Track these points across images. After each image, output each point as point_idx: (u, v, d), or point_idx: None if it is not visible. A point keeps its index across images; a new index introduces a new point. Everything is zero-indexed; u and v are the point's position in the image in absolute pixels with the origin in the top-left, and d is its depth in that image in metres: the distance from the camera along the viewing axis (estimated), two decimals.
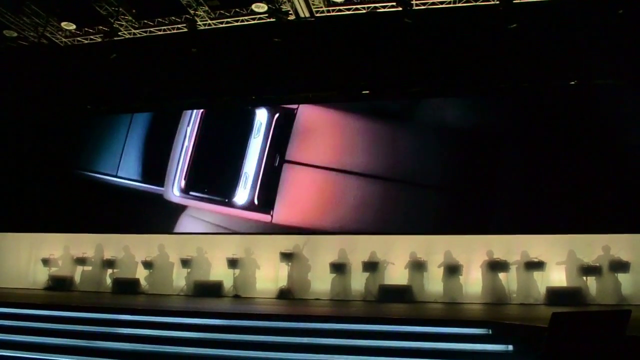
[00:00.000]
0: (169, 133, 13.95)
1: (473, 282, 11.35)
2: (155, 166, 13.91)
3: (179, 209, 13.42)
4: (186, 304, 9.57)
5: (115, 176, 13.90)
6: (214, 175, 13.50)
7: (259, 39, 12.49)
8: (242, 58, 12.95)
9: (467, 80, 12.47)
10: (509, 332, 6.02)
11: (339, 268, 11.76)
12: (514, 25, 11.12)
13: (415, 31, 11.60)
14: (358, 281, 11.79)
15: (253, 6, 11.99)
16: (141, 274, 12.80)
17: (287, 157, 13.00)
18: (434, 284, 11.49)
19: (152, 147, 14.11)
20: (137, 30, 13.02)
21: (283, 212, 12.76)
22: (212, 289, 12.06)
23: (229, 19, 12.53)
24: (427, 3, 11.55)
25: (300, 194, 12.80)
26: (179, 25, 12.77)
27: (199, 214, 13.35)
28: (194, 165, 13.60)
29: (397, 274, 11.67)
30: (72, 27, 13.01)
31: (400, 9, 11.30)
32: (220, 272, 12.42)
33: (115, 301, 9.86)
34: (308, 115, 13.29)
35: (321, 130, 13.14)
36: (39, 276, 13.47)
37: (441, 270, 11.41)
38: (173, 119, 14.06)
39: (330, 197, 12.59)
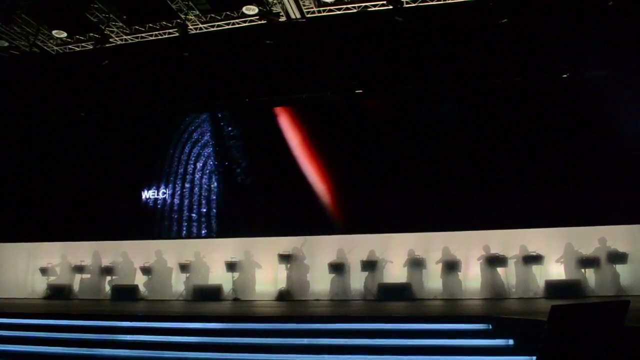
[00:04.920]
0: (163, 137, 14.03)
1: (472, 277, 11.37)
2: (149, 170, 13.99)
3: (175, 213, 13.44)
4: (186, 309, 9.56)
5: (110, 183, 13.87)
6: None
7: (250, 41, 12.47)
8: (235, 61, 12.94)
9: (460, 76, 12.49)
10: (509, 326, 6.02)
11: (337, 268, 11.75)
12: (505, 20, 11.15)
13: (406, 29, 11.61)
14: (357, 280, 11.79)
15: (244, 9, 11.98)
16: (140, 280, 12.77)
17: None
18: (433, 280, 11.50)
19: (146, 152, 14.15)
20: (129, 36, 13.01)
21: None
22: (212, 293, 12.04)
23: (220, 22, 12.53)
24: (417, 0, 11.57)
25: None
26: (170, 30, 12.75)
27: None
28: None
29: (396, 272, 11.68)
30: (63, 35, 12.99)
31: (391, 7, 11.30)
32: (219, 276, 12.39)
33: (114, 308, 9.83)
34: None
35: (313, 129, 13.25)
36: (38, 285, 13.42)
37: (440, 266, 11.43)
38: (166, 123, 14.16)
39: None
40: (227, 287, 12.14)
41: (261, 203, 12.95)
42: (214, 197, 13.36)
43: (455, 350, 5.86)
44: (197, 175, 13.58)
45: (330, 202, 12.59)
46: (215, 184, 13.45)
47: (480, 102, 12.44)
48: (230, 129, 13.75)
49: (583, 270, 10.85)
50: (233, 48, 12.78)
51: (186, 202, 13.53)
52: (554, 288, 10.65)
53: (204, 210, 13.32)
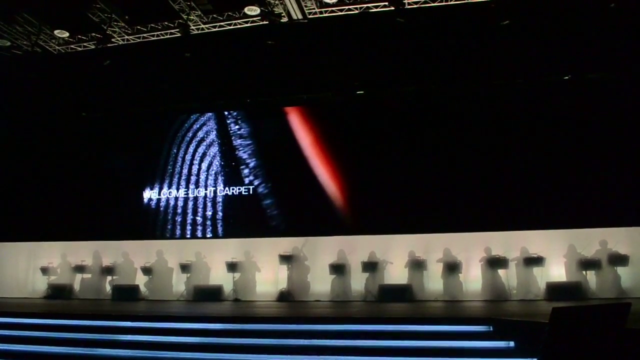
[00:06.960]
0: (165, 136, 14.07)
1: (473, 279, 11.36)
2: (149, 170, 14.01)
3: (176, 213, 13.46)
4: (186, 309, 9.55)
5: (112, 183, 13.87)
6: None
7: (252, 42, 12.48)
8: (236, 61, 12.95)
9: (462, 78, 12.48)
10: (510, 328, 6.02)
11: (338, 269, 11.74)
12: (507, 21, 11.14)
13: (408, 30, 11.60)
14: (358, 282, 11.79)
15: (246, 9, 11.97)
16: (140, 280, 12.77)
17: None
18: (433, 282, 11.49)
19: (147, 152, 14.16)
20: (131, 36, 13.00)
21: None
22: (212, 293, 12.03)
23: (222, 23, 12.52)
24: (419, 2, 11.55)
25: None
26: (172, 30, 12.75)
27: None
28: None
29: (396, 274, 11.67)
30: (65, 34, 12.98)
31: (393, 8, 11.29)
32: (219, 276, 12.39)
33: (115, 308, 9.83)
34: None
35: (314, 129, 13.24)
36: (38, 285, 13.43)
37: (440, 268, 11.41)
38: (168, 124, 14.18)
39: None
40: (227, 288, 12.14)
41: (267, 204, 12.94)
42: (219, 200, 13.35)
43: (455, 352, 5.86)
44: (203, 176, 13.57)
45: (334, 203, 12.57)
46: (221, 185, 13.43)
47: (482, 104, 12.41)
48: (237, 127, 13.73)
49: (584, 272, 10.82)
50: (234, 48, 12.80)
51: (190, 203, 13.51)
52: (554, 290, 10.62)
53: (209, 213, 13.30)
